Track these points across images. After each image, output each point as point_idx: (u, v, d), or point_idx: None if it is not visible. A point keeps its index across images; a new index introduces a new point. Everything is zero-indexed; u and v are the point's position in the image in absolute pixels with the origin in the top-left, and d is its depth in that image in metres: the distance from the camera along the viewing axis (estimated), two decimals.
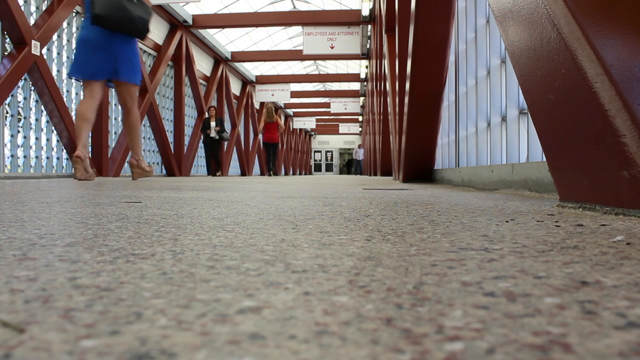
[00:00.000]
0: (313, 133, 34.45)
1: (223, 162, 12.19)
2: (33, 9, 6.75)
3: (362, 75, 16.79)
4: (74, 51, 3.90)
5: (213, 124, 11.02)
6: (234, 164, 15.67)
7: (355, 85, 21.39)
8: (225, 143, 13.00)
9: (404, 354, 0.31)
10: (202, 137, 11.31)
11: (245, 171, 16.08)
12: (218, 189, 2.77)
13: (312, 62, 19.87)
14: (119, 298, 0.43)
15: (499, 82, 3.56)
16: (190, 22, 11.05)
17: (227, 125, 14.17)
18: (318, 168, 36.38)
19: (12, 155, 6.48)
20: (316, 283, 0.49)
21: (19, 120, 6.65)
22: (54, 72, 7.11)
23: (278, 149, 12.59)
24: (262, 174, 17.90)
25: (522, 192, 2.41)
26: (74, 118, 7.36)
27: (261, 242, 0.77)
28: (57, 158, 7.38)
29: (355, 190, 2.84)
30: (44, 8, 6.85)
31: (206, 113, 11.91)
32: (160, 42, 10.35)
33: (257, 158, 18.24)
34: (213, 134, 10.92)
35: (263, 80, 17.19)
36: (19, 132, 6.62)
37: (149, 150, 10.33)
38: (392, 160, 7.08)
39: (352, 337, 0.34)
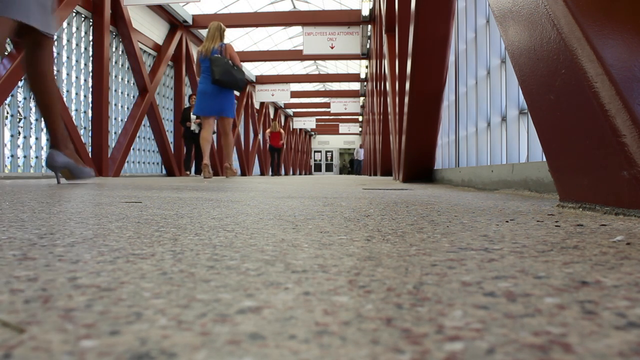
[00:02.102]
0: (313, 133, 34.45)
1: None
2: None
3: (362, 75, 16.79)
4: (197, 98, 6.18)
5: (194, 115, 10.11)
6: (234, 164, 15.67)
7: (355, 85, 21.38)
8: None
9: (404, 354, 0.31)
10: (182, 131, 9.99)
11: (245, 171, 16.09)
12: (218, 189, 2.77)
13: (312, 62, 19.87)
14: (119, 298, 0.43)
15: (499, 82, 3.56)
16: (190, 22, 11.05)
17: None
18: (318, 168, 36.38)
19: (12, 155, 6.48)
20: (316, 283, 0.49)
21: (19, 120, 6.65)
22: (54, 72, 7.11)
23: (281, 153, 16.23)
24: (262, 174, 18.07)
25: (522, 192, 2.41)
26: (73, 118, 7.37)
27: (261, 242, 0.77)
28: None
29: (355, 190, 2.84)
30: None
31: (186, 102, 10.39)
32: (160, 42, 10.35)
33: (257, 158, 18.33)
34: (194, 127, 9.45)
35: (263, 80, 17.20)
36: (19, 132, 6.62)
37: (148, 150, 10.32)
38: (392, 160, 7.07)
39: (352, 337, 0.34)
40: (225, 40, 6.20)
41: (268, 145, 16.12)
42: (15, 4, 2.48)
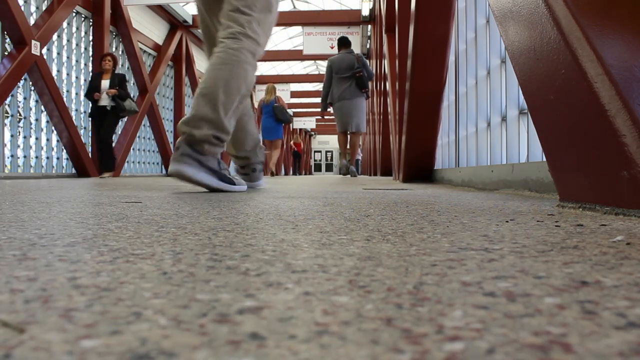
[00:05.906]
0: (313, 133, 34.44)
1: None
2: (33, 9, 6.75)
3: None
4: (262, 131, 9.75)
5: (106, 83, 6.30)
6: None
7: None
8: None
9: (404, 354, 0.31)
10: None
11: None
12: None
13: (312, 62, 19.87)
14: (119, 298, 0.43)
15: (499, 82, 3.56)
16: (190, 22, 11.05)
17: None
18: (318, 168, 36.38)
19: (12, 155, 6.47)
20: (316, 283, 0.49)
21: (19, 120, 6.64)
22: (54, 72, 7.11)
23: (301, 157, 23.52)
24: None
25: (522, 192, 2.41)
26: (73, 118, 7.37)
27: (261, 242, 0.77)
28: (57, 158, 7.38)
29: (356, 190, 2.84)
30: (44, 8, 6.85)
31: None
32: (160, 42, 10.35)
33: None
34: (104, 101, 6.28)
35: (263, 80, 17.19)
36: (19, 132, 6.62)
37: (148, 150, 10.32)
38: (392, 160, 7.07)
39: (352, 337, 0.34)
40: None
41: (293, 151, 22.82)
42: (354, 123, 7.04)
